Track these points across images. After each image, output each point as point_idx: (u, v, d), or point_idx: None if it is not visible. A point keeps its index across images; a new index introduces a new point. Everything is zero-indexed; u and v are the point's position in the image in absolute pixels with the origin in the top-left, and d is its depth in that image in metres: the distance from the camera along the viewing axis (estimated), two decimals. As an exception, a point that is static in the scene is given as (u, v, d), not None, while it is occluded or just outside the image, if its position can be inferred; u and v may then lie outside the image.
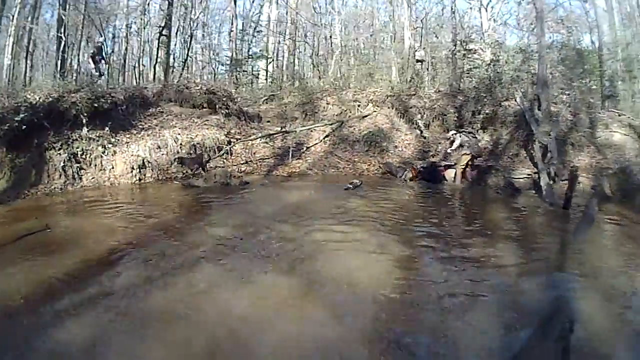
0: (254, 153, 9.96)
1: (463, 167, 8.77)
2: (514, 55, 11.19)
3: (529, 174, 10.13)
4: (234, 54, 14.71)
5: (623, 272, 4.87)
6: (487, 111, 10.23)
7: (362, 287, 3.85)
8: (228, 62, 14.92)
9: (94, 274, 3.96)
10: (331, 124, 9.90)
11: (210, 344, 2.95)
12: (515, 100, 10.30)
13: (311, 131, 9.95)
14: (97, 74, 10.08)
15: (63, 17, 13.88)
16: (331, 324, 3.29)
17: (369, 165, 9.51)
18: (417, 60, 11.52)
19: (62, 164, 7.89)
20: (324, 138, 9.83)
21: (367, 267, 4.34)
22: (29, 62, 14.65)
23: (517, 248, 5.43)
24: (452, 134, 8.86)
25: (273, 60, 15.03)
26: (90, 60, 10.02)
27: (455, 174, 8.81)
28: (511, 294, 4.09)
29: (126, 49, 14.61)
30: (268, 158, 9.87)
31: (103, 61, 10.14)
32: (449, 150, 8.78)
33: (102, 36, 13.70)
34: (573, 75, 11.50)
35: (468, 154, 8.65)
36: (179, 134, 9.68)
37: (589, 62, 12.35)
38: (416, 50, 11.94)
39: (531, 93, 10.81)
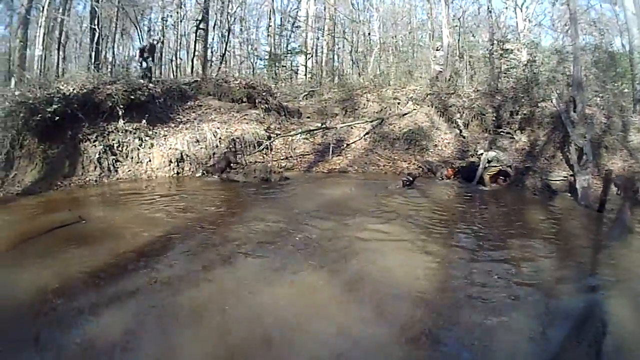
0: (294, 149, 10.01)
1: (491, 174, 8.85)
2: (550, 56, 11.27)
3: (565, 176, 10.26)
4: (273, 48, 14.75)
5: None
6: (524, 112, 10.32)
7: (401, 285, 3.88)
8: (266, 57, 15.00)
9: (129, 267, 3.97)
10: (371, 121, 10.01)
11: (246, 341, 2.93)
12: (552, 102, 10.37)
13: (351, 128, 10.05)
14: (143, 68, 10.07)
15: (96, 9, 13.92)
16: (370, 323, 3.30)
17: (409, 163, 9.62)
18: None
19: (97, 155, 7.96)
20: (364, 135, 9.94)
21: (406, 265, 4.37)
22: (61, 53, 14.69)
23: (552, 250, 5.46)
24: (479, 154, 8.93)
25: (312, 56, 15.10)
26: (138, 52, 10.04)
27: (488, 179, 8.94)
28: (546, 296, 4.12)
29: (162, 42, 14.63)
30: (308, 154, 9.93)
31: (151, 59, 10.12)
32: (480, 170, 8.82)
33: (156, 34, 13.62)
34: (606, 77, 11.59)
35: (496, 167, 8.76)
36: (218, 128, 9.72)
37: (620, 65, 12.42)
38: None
39: (567, 95, 10.89)
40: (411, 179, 8.06)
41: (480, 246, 5.32)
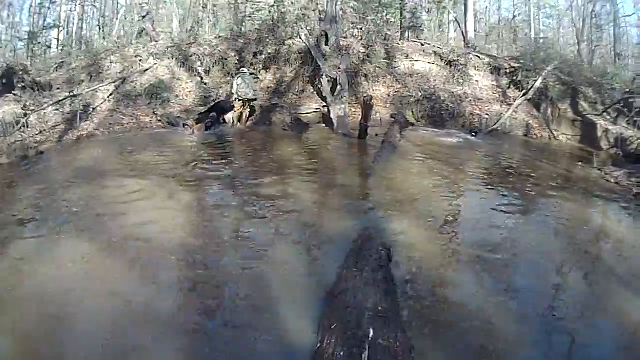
0: (47, 122, 10.03)
1: (239, 113, 9.13)
2: (301, -5, 11.56)
3: (317, 108, 10.61)
4: (32, 28, 14.70)
5: (431, 198, 5.09)
6: (269, 51, 10.62)
7: (159, 240, 3.93)
8: (26, 37, 14.93)
9: None
10: (114, 82, 10.12)
11: (25, 322, 2.94)
12: (300, 38, 10.68)
13: (96, 92, 10.12)
14: None
15: None
16: (135, 280, 3.36)
17: (151, 118, 9.83)
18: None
19: None
20: (108, 97, 10.00)
21: (160, 219, 4.39)
22: None
23: (314, 181, 5.56)
24: (239, 72, 9.17)
25: (64, 28, 15.11)
26: None
27: (233, 118, 9.15)
28: (314, 229, 4.11)
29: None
30: (59, 124, 9.89)
31: None
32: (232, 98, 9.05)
33: None
34: (367, 9, 12.05)
35: (240, 101, 8.93)
36: (-18, 116, 9.70)
37: (386, -3, 12.93)
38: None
39: (318, 30, 11.27)
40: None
41: (235, 190, 5.36)
